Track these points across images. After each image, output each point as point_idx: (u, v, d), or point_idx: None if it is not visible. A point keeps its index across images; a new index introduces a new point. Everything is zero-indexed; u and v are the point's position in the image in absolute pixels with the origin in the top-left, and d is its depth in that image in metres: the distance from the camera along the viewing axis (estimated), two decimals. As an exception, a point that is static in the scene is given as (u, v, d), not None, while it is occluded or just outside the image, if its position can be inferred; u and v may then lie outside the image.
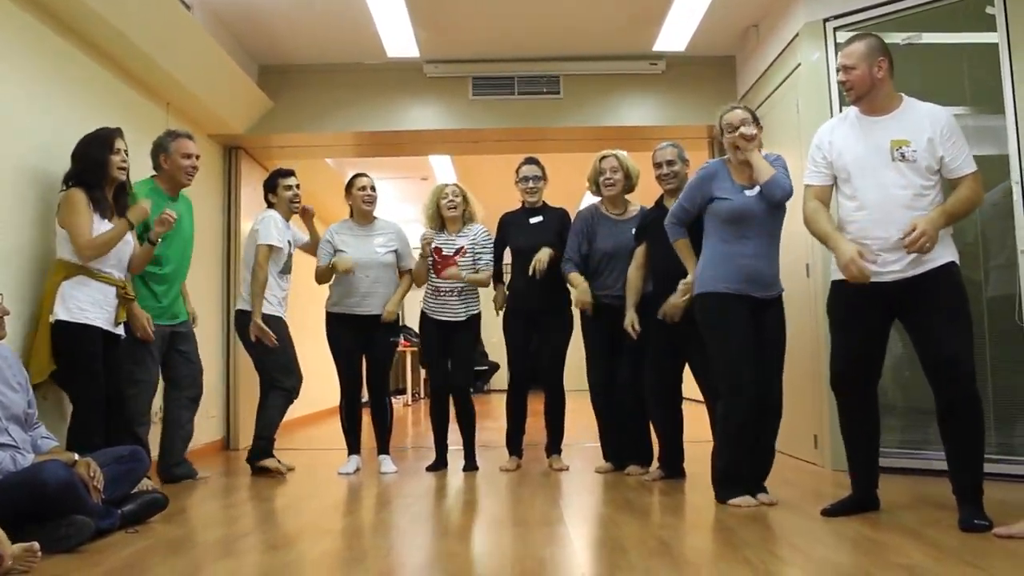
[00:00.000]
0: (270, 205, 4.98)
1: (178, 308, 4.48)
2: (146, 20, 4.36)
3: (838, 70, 3.28)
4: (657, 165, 4.35)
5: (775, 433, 3.68)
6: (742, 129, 3.62)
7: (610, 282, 4.58)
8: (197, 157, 4.44)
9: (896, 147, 3.13)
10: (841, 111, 4.65)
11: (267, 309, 4.78)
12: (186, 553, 2.94)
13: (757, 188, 3.62)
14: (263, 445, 4.73)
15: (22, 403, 3.15)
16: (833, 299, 3.35)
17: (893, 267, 3.11)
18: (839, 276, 3.25)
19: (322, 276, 4.92)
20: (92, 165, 3.76)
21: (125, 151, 3.87)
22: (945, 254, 3.09)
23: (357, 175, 4.98)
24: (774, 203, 3.61)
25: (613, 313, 4.51)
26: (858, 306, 3.21)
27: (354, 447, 4.91)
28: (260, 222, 4.85)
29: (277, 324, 4.83)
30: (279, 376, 4.79)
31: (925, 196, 3.10)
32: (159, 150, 4.37)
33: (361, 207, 4.90)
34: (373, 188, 4.92)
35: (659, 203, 4.41)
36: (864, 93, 3.21)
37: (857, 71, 3.18)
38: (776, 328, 3.67)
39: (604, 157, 4.67)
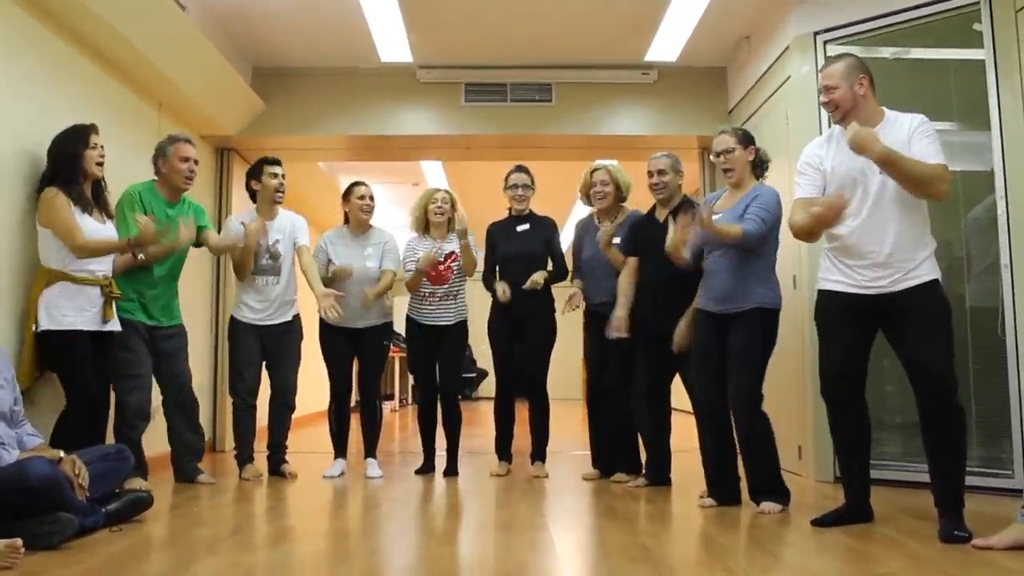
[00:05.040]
0: (252, 194, 4.83)
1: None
2: (140, 18, 4.36)
3: (819, 91, 3.31)
4: (649, 174, 4.34)
5: (755, 443, 3.64)
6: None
7: (596, 290, 4.62)
8: (196, 162, 4.40)
9: None
10: (829, 124, 4.70)
11: (241, 315, 4.76)
12: (169, 552, 2.95)
13: (720, 214, 3.72)
14: (236, 456, 4.79)
15: (8, 400, 3.15)
16: (818, 309, 3.39)
17: (880, 283, 3.15)
18: (824, 286, 3.32)
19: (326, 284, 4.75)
20: (67, 160, 3.72)
21: (101, 146, 3.84)
22: (930, 271, 3.13)
23: (357, 183, 4.94)
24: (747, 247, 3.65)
25: (602, 320, 4.55)
26: (841, 316, 3.27)
27: (340, 450, 4.91)
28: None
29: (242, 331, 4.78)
30: (231, 386, 4.80)
31: (916, 209, 3.14)
32: (158, 155, 4.35)
33: (358, 216, 4.87)
34: (372, 197, 4.90)
35: (651, 213, 4.41)
36: (848, 111, 3.23)
37: (839, 90, 3.22)
38: (739, 340, 3.66)
39: (595, 170, 4.69)
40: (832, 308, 3.32)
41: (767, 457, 3.66)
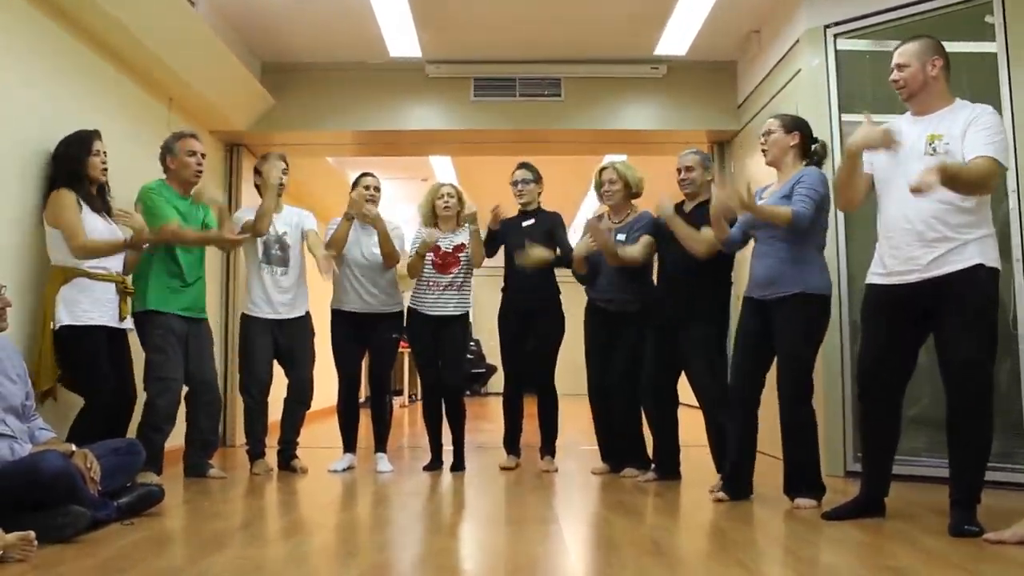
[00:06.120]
0: (258, 188, 4.84)
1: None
2: (150, 15, 4.37)
3: (891, 70, 3.20)
4: (677, 170, 4.35)
5: (796, 436, 3.58)
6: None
7: (604, 285, 4.61)
8: (203, 155, 4.42)
9: (930, 141, 3.06)
10: (840, 118, 4.70)
11: (252, 311, 4.74)
12: (181, 546, 2.96)
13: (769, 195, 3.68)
14: (248, 452, 4.79)
15: (20, 394, 3.16)
16: (864, 301, 3.35)
17: (915, 264, 3.06)
18: (867, 279, 3.29)
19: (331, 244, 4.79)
20: (73, 164, 3.77)
21: (104, 152, 3.88)
22: (973, 255, 2.99)
23: (363, 174, 4.94)
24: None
25: (607, 316, 4.56)
26: (885, 309, 3.20)
27: (349, 445, 4.92)
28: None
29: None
30: (242, 384, 4.79)
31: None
32: (165, 152, 4.38)
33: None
34: (377, 188, 4.90)
35: (680, 205, 4.37)
36: (916, 91, 3.15)
37: (909, 69, 3.13)
38: (781, 326, 3.57)
39: (603, 169, 4.69)
40: (868, 303, 3.30)
41: (808, 452, 3.58)
